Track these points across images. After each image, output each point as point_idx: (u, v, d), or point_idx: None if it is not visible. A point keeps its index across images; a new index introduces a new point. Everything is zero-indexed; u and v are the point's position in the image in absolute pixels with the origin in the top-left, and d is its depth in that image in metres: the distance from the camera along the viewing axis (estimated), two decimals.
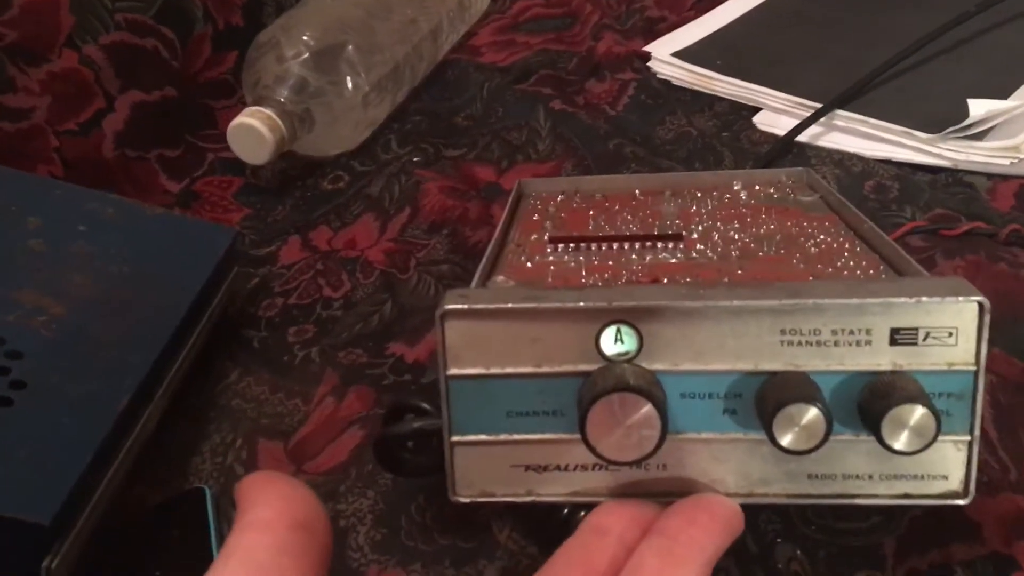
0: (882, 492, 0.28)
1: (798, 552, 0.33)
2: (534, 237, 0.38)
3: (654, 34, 0.70)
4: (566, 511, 0.31)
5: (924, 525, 0.33)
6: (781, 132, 0.56)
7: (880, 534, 0.33)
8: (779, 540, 0.33)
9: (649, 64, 0.66)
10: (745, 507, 0.28)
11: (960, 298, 0.26)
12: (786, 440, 0.26)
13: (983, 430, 0.35)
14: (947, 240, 0.45)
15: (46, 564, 0.31)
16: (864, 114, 0.55)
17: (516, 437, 0.29)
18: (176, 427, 0.41)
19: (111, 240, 0.43)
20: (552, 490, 0.29)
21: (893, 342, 0.27)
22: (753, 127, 0.58)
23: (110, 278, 0.41)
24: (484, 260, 0.34)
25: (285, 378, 0.44)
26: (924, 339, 0.27)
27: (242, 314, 0.48)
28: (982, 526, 0.32)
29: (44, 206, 0.43)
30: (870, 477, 0.28)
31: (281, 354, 0.45)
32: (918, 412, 0.25)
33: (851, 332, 0.27)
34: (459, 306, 0.28)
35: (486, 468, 0.29)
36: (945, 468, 0.28)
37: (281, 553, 0.22)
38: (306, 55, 0.57)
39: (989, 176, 0.50)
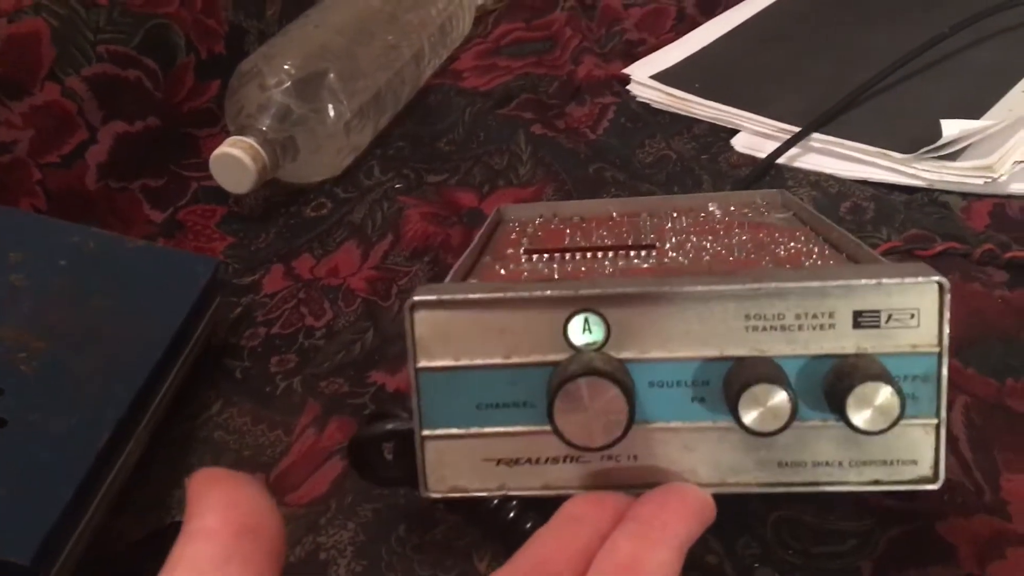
0: (852, 479, 0.28)
1: None
2: (510, 251, 0.38)
3: (633, 57, 0.70)
4: None
5: (901, 548, 0.33)
6: (759, 154, 0.57)
7: (857, 557, 0.33)
8: (757, 564, 0.33)
9: (628, 87, 0.66)
10: (722, 521, 0.28)
11: (920, 278, 0.27)
12: (751, 419, 0.26)
13: (958, 451, 0.36)
14: (922, 260, 0.46)
15: None
16: (840, 135, 0.56)
17: (487, 430, 0.29)
18: (158, 459, 0.41)
19: (92, 274, 0.43)
20: (524, 484, 0.29)
21: (856, 325, 0.27)
22: (731, 149, 0.59)
23: (91, 312, 0.41)
24: (456, 266, 0.35)
25: (267, 409, 0.44)
26: (887, 321, 0.27)
27: (225, 344, 0.48)
28: (957, 548, 0.33)
29: (25, 241, 0.43)
30: (840, 464, 0.28)
31: (263, 384, 0.45)
32: (882, 390, 0.26)
33: (814, 316, 0.27)
34: (428, 297, 0.28)
35: (457, 463, 0.29)
36: (915, 453, 0.28)
37: (226, 562, 0.21)
38: (288, 83, 0.57)
39: (964, 195, 0.51)
